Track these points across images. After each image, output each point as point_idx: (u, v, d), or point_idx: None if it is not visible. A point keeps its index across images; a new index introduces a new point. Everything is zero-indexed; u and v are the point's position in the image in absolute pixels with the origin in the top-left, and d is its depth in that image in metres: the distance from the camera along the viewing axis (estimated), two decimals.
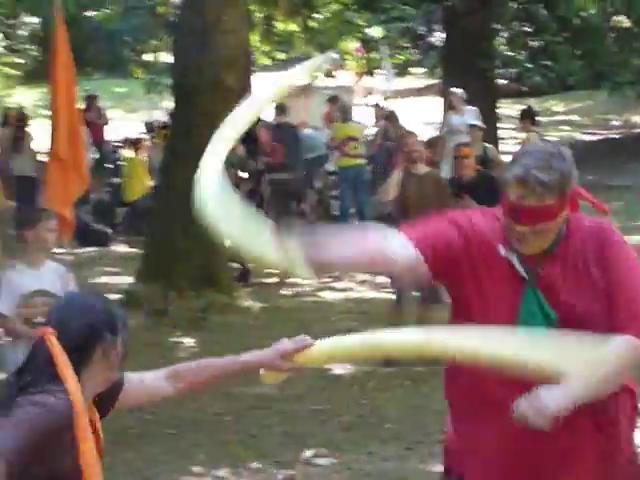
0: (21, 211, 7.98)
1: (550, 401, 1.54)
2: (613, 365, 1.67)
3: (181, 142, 7.85)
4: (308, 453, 4.62)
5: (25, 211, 6.83)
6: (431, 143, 8.00)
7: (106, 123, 13.56)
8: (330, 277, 8.31)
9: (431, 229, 1.83)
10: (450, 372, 1.94)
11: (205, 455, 4.65)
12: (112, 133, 14.03)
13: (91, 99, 12.97)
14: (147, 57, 18.39)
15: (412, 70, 18.35)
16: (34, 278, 4.30)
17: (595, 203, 1.96)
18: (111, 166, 12.12)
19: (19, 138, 10.60)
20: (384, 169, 9.44)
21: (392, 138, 10.28)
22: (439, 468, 2.66)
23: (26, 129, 10.89)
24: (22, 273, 4.38)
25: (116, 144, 13.35)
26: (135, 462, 4.54)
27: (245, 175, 10.12)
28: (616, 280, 1.75)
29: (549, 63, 13.65)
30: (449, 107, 10.86)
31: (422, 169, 6.44)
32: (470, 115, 9.91)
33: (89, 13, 14.49)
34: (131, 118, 17.45)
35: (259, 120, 9.52)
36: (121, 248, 10.29)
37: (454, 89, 10.54)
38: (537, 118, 10.47)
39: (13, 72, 18.23)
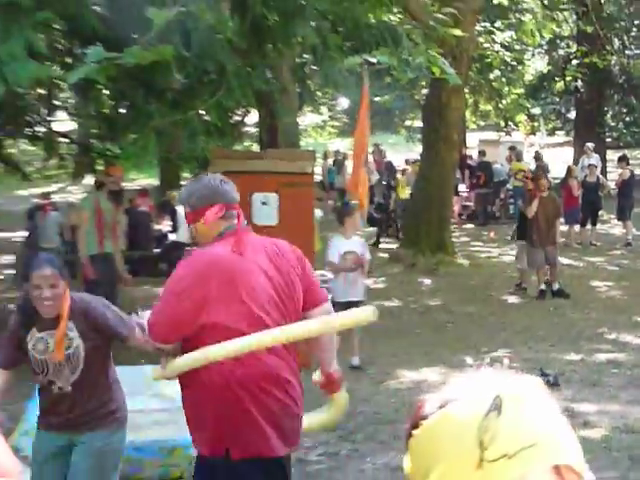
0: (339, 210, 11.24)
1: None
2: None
3: (427, 169, 11.99)
4: None
5: (341, 209, 9.22)
6: (539, 175, 10.30)
7: (384, 157, 19.47)
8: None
9: None
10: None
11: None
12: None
13: (376, 146, 19.55)
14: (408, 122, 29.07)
15: (557, 132, 27.46)
16: (347, 244, 6.20)
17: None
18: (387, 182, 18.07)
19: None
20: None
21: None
22: None
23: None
24: (340, 241, 6.26)
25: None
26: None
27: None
28: None
29: (637, 130, 22.20)
30: (582, 153, 16.28)
31: (545, 193, 9.12)
32: (594, 159, 14.85)
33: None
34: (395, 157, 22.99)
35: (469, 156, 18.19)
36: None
37: (588, 144, 15.77)
38: (630, 161, 14.75)
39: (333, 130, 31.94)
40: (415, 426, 0.75)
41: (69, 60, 6.05)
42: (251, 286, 2.60)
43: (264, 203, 5.97)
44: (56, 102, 10.88)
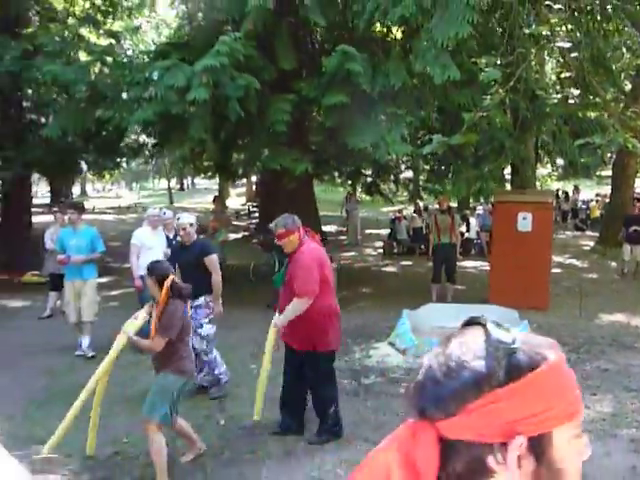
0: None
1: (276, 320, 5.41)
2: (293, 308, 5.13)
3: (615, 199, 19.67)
4: None
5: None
6: None
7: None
8: None
9: None
10: None
11: None
12: None
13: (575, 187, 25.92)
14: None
15: None
16: None
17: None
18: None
19: None
20: None
21: None
22: None
23: None
24: None
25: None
26: None
27: None
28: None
29: None
30: None
31: None
32: None
33: None
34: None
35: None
36: None
37: None
38: None
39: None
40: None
41: (419, 142, 11.48)
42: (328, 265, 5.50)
43: (524, 218, 10.70)
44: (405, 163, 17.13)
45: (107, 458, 5.23)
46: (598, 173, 33.71)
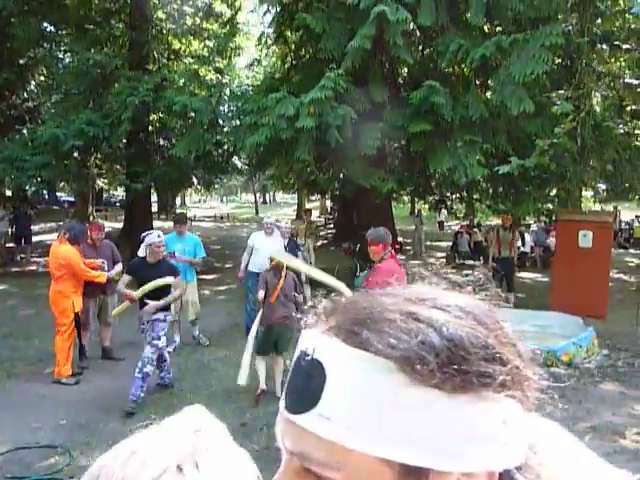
0: None
1: None
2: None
3: None
4: None
5: None
6: None
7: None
8: None
9: None
10: None
11: None
12: None
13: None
14: None
15: None
16: None
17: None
18: None
19: None
20: None
21: None
22: None
23: None
24: None
25: None
26: None
27: None
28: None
29: None
30: None
31: None
32: None
33: None
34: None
35: None
36: None
37: None
38: None
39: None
40: None
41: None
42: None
43: (585, 236, 10.38)
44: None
45: None
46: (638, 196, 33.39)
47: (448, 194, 14.89)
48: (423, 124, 9.57)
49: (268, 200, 66.46)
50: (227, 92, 10.86)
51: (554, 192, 13.04)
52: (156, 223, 19.93)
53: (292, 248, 8.04)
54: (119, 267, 7.15)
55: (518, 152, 10.24)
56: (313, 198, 52.17)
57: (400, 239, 20.19)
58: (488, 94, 9.51)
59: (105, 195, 35.27)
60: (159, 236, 6.01)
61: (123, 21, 16.09)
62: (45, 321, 9.23)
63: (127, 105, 11.17)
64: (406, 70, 10.64)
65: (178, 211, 8.22)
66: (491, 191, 12.28)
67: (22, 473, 4.41)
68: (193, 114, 10.62)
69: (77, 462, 4.61)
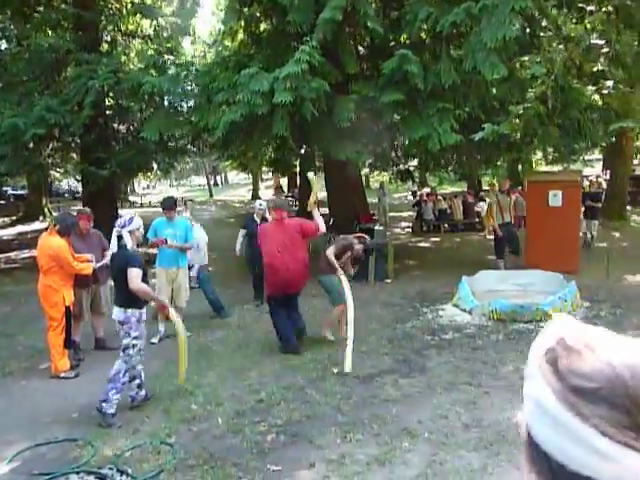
0: None
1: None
2: None
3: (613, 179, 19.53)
4: None
5: None
6: None
7: None
8: None
9: None
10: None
11: None
12: None
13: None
14: None
15: None
16: None
17: None
18: None
19: None
20: None
21: None
22: None
23: None
24: None
25: None
26: None
27: None
28: None
29: None
30: None
31: None
32: None
33: None
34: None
35: None
36: None
37: None
38: None
39: None
40: None
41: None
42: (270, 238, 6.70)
43: (555, 195, 10.71)
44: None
45: None
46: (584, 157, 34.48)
47: (414, 164, 15.02)
48: (396, 94, 9.58)
49: (220, 182, 65.51)
50: (193, 70, 10.53)
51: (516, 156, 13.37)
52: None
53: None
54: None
55: (489, 118, 10.43)
56: (265, 177, 51.85)
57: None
58: (459, 61, 9.56)
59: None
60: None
61: (66, 2, 15.33)
62: (23, 317, 8.93)
63: (88, 89, 10.71)
64: (375, 40, 10.58)
65: (166, 196, 7.98)
66: (465, 158, 12.43)
67: (47, 469, 4.29)
68: (160, 95, 10.28)
69: (101, 453, 4.52)
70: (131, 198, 38.20)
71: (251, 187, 43.84)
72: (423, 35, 10.40)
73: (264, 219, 8.63)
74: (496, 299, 8.04)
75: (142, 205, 34.79)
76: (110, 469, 4.27)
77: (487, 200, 14.29)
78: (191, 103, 10.53)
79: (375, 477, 3.95)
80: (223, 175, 67.13)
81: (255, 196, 39.76)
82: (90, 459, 4.43)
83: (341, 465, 4.13)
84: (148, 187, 65.82)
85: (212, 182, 59.36)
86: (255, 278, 9.03)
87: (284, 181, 36.44)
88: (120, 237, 5.22)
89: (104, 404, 5.05)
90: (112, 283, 5.60)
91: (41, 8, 14.45)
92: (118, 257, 5.23)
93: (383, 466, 4.10)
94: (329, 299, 7.19)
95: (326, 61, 9.70)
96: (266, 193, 44.10)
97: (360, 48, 11.45)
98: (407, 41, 10.72)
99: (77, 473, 4.22)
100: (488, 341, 6.96)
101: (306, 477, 4.02)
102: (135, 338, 5.17)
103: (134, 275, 5.02)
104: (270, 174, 48.71)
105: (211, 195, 45.78)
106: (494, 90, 10.09)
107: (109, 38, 15.69)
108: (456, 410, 5.01)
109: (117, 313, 5.16)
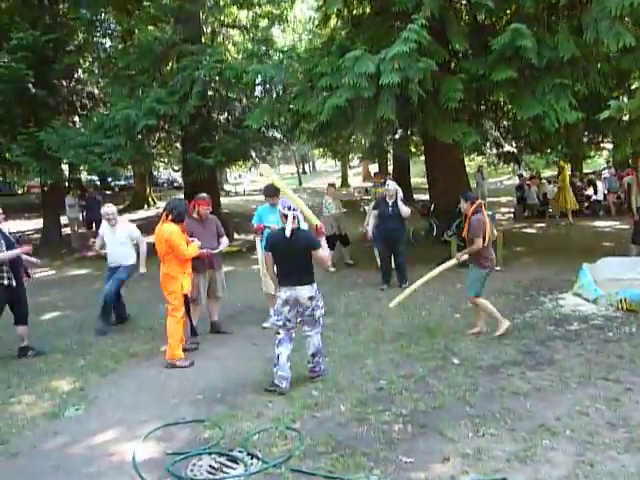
0: None
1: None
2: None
3: None
4: None
5: None
6: None
7: None
8: None
9: None
10: None
11: None
12: None
13: None
14: None
15: None
16: None
17: None
18: None
19: None
20: None
21: None
22: None
23: None
24: None
25: None
26: None
27: None
28: None
29: None
30: None
31: None
32: None
33: None
34: None
35: None
36: None
37: None
38: None
39: None
40: None
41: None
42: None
43: None
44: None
45: None
46: None
47: (520, 145, 14.25)
48: (507, 71, 9.07)
49: (308, 170, 66.00)
50: (295, 57, 10.49)
51: None
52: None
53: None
54: (226, 241, 7.08)
55: (609, 93, 9.67)
56: (353, 165, 51.62)
57: None
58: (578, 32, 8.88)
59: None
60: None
61: None
62: (141, 300, 9.33)
63: (194, 80, 10.95)
64: (484, 15, 10.06)
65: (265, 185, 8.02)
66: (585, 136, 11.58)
67: (178, 449, 4.37)
68: (264, 82, 10.34)
69: (229, 435, 4.55)
70: (225, 187, 39.24)
71: (339, 174, 43.79)
72: (536, 7, 9.72)
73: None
74: (624, 288, 7.43)
75: (237, 194, 35.60)
76: (240, 452, 4.29)
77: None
78: (294, 90, 10.46)
79: (518, 475, 3.70)
80: (311, 163, 67.56)
81: (344, 183, 39.70)
82: (219, 441, 4.48)
83: (478, 460, 3.91)
84: (240, 176, 67.52)
85: (301, 170, 60.01)
86: (383, 261, 9.36)
87: (373, 168, 36.16)
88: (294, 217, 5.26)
89: (319, 377, 5.57)
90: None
91: (146, 3, 14.97)
92: (300, 237, 5.24)
93: (525, 464, 3.83)
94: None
95: (433, 40, 9.33)
96: (355, 180, 43.97)
97: (465, 24, 10.93)
98: (516, 14, 10.09)
99: (209, 454, 4.28)
100: (620, 333, 6.44)
101: (441, 471, 3.83)
102: (322, 308, 5.50)
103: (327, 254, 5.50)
104: (357, 161, 48.63)
105: (300, 183, 46.23)
106: (618, 62, 9.29)
107: (209, 30, 16.01)
108: (597, 407, 4.63)
109: (309, 290, 5.29)
